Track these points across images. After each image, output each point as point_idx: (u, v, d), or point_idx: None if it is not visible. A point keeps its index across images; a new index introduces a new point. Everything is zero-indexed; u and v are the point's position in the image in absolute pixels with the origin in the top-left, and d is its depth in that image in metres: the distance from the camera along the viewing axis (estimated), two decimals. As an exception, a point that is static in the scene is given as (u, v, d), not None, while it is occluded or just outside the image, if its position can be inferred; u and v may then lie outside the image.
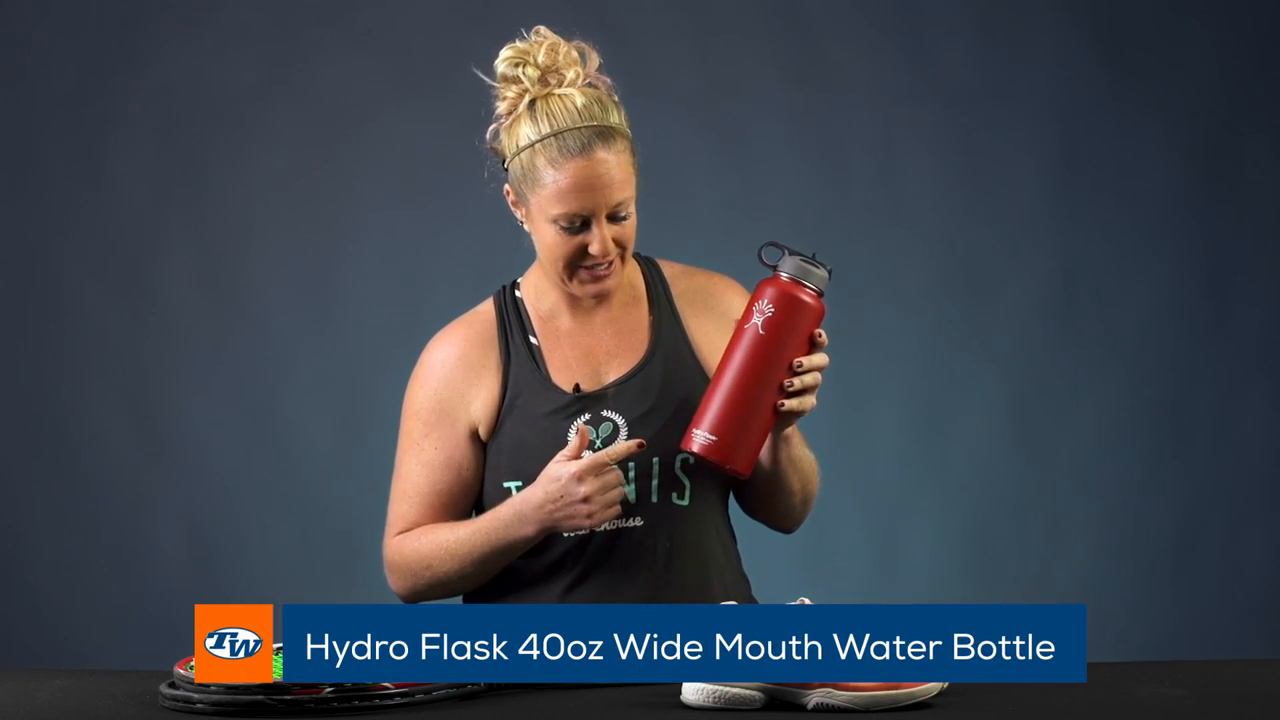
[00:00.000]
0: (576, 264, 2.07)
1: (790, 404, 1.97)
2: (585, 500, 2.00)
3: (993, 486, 3.85)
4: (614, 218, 2.06)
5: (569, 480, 2.00)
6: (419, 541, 2.10)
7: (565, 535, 2.08)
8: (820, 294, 1.97)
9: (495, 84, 2.10)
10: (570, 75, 2.06)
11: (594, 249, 2.05)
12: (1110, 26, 3.88)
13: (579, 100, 2.05)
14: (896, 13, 3.85)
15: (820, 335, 1.98)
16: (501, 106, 2.10)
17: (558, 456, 2.02)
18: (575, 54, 2.08)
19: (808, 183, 3.83)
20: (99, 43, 3.69)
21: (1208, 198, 3.89)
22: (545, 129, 2.05)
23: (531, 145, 2.05)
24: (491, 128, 2.12)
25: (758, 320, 1.96)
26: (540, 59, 2.06)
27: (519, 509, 2.04)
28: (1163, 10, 3.89)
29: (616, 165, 2.04)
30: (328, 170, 3.73)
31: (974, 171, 3.87)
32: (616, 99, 2.09)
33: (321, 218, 3.74)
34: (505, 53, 2.08)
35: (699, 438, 1.96)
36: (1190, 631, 3.84)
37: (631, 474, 2.09)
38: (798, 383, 1.97)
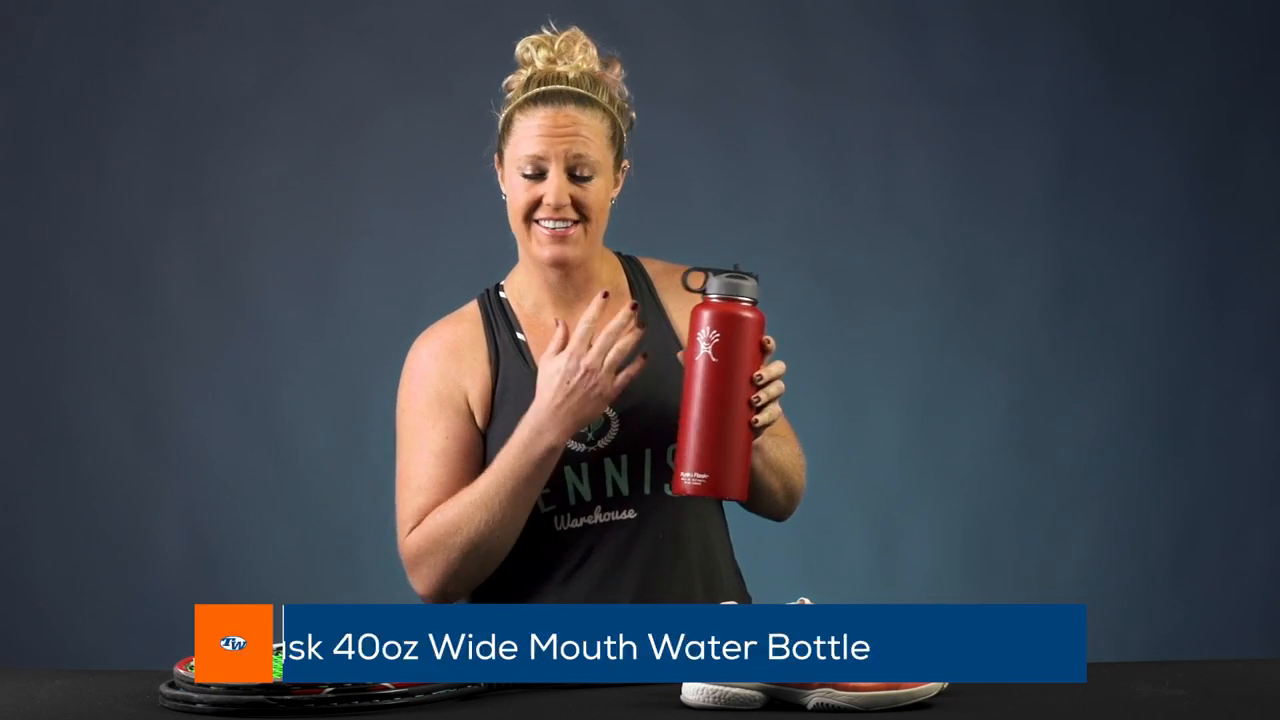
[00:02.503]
0: (533, 216, 2.09)
1: (762, 418, 1.97)
2: (590, 372, 2.00)
3: (993, 486, 3.85)
4: (575, 175, 2.09)
5: (567, 361, 2.01)
6: (441, 515, 2.07)
7: (559, 528, 2.09)
8: (755, 303, 1.97)
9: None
10: (578, 59, 2.12)
11: (547, 197, 2.08)
12: (1110, 26, 3.88)
13: (571, 74, 2.12)
14: (896, 13, 3.86)
15: (769, 342, 1.98)
16: (511, 79, 2.15)
17: (543, 355, 2.03)
18: (592, 47, 2.14)
19: (808, 183, 3.83)
20: (99, 43, 3.69)
21: (1208, 198, 3.89)
22: (532, 89, 2.11)
23: (514, 107, 2.12)
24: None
25: (706, 349, 1.95)
26: (557, 46, 2.13)
27: (532, 423, 2.03)
28: (1162, 10, 3.89)
29: (585, 125, 2.09)
30: (328, 170, 3.73)
31: (974, 171, 3.87)
32: (626, 95, 2.14)
33: (321, 218, 3.74)
34: (527, 39, 2.14)
35: (689, 480, 1.95)
36: (1190, 631, 3.84)
37: (623, 466, 2.09)
38: (764, 396, 1.96)
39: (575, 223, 2.09)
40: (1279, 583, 3.89)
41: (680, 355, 2.01)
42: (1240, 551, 3.89)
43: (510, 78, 2.15)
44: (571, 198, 2.08)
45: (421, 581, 2.09)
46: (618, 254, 2.22)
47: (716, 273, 1.97)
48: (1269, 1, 3.90)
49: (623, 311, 2.02)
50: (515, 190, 2.10)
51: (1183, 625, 3.85)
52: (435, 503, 2.09)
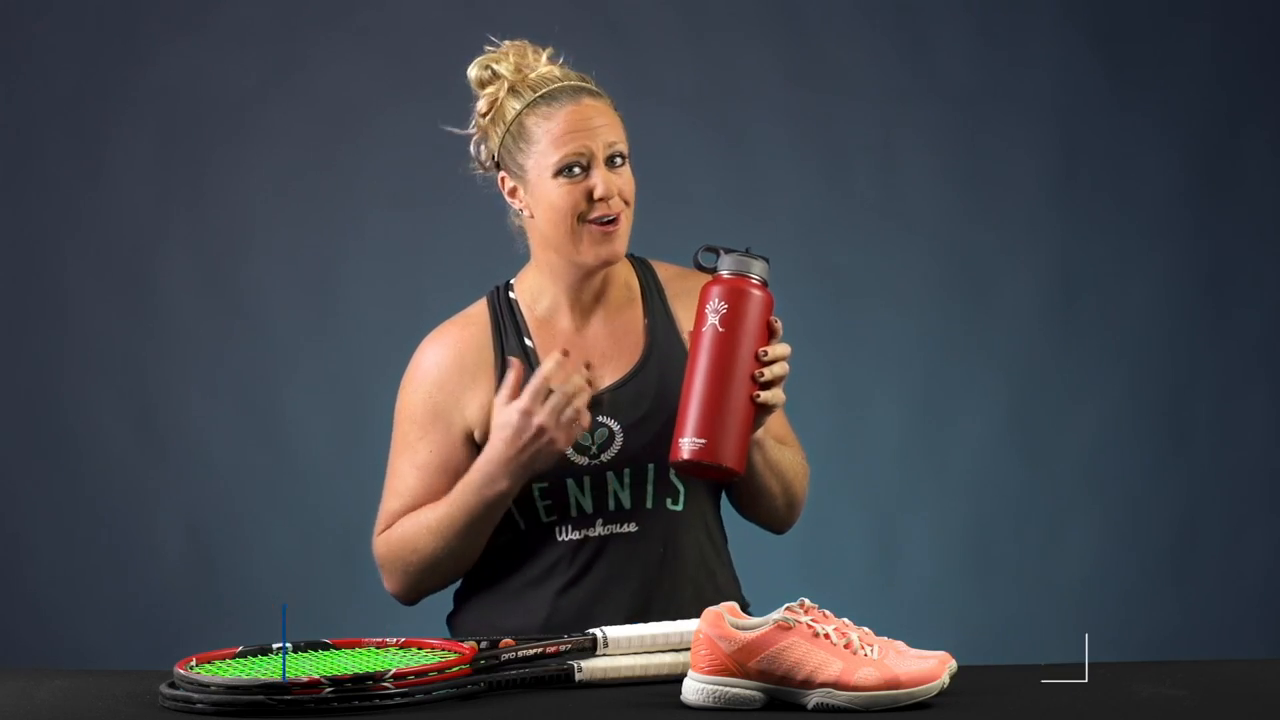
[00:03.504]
0: (584, 215, 2.07)
1: (765, 395, 1.96)
2: (543, 430, 1.99)
3: (993, 486, 3.85)
4: (611, 164, 2.07)
5: (519, 417, 1.99)
6: (401, 529, 2.10)
7: (560, 539, 2.09)
8: (765, 283, 1.98)
9: (472, 100, 2.14)
10: (545, 59, 2.11)
11: (599, 190, 2.06)
12: (1110, 26, 3.88)
13: (557, 71, 2.11)
14: (896, 13, 3.85)
15: (776, 323, 1.98)
16: (482, 105, 2.12)
17: (496, 400, 2.02)
18: (542, 51, 2.13)
19: (808, 182, 3.83)
20: (99, 43, 3.69)
21: (1208, 198, 3.89)
22: (530, 95, 2.09)
23: (519, 113, 2.08)
24: (473, 140, 2.14)
25: (714, 320, 1.96)
26: (512, 58, 2.11)
27: (485, 469, 2.04)
28: (1162, 10, 3.89)
29: (604, 113, 2.09)
30: (328, 170, 3.73)
31: (974, 171, 3.87)
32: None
33: (321, 218, 3.74)
34: (477, 61, 2.12)
35: (687, 445, 1.95)
36: (1190, 631, 3.84)
37: (626, 480, 2.09)
38: (768, 372, 1.96)
39: (619, 214, 2.08)
40: (1279, 583, 3.89)
41: (687, 335, 2.01)
42: (1240, 551, 3.89)
43: (480, 103, 2.12)
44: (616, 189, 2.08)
45: (388, 585, 2.14)
46: (629, 255, 2.21)
47: (728, 250, 1.98)
48: (1269, 1, 3.90)
49: (553, 358, 2.00)
50: (557, 194, 2.07)
51: (1183, 625, 3.85)
52: (408, 511, 2.12)
